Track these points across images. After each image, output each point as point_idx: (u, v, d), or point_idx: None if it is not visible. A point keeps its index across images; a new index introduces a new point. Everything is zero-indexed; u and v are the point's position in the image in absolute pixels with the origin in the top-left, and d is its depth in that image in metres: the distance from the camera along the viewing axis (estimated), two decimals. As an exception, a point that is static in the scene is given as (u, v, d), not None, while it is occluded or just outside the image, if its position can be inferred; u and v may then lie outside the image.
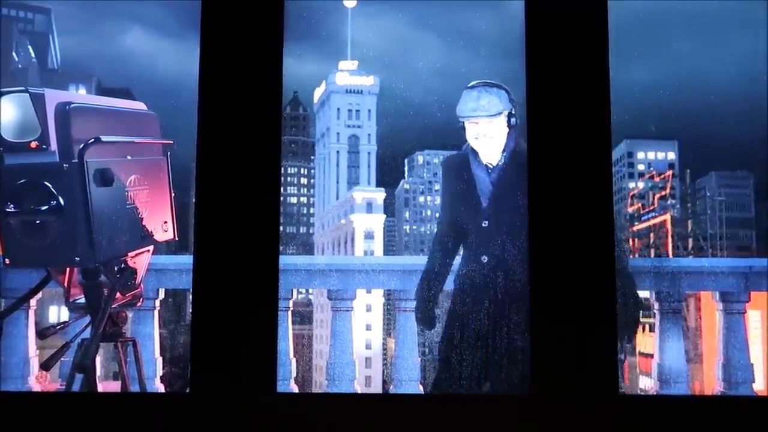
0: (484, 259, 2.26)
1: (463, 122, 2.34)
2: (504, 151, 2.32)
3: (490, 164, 2.33)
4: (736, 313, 3.26)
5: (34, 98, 1.76)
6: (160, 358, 3.24)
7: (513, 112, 2.30)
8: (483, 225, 2.27)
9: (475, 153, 2.35)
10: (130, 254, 1.94)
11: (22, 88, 1.79)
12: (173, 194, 2.08)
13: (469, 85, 2.35)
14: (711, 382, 3.40)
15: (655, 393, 3.28)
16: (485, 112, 2.28)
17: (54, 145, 1.77)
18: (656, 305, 3.35)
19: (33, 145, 1.77)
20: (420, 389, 3.22)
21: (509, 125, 2.30)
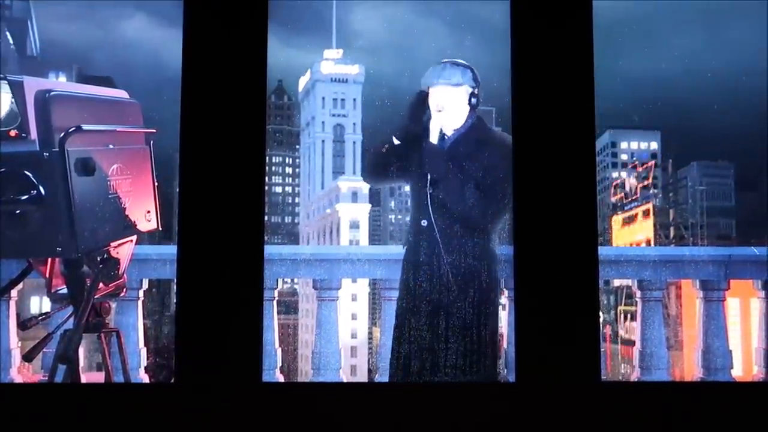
0: (424, 223, 2.33)
1: (427, 93, 2.42)
2: (462, 126, 2.39)
3: (446, 134, 2.40)
4: (716, 301, 3.32)
5: (13, 86, 1.73)
6: (144, 349, 3.23)
7: (476, 92, 2.39)
8: (429, 191, 2.34)
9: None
10: (112, 244, 1.92)
11: (1, 76, 1.75)
12: (156, 184, 2.06)
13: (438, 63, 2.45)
14: (691, 368, 3.46)
15: (636, 379, 3.34)
16: (445, 80, 2.38)
17: (34, 134, 1.74)
18: (638, 293, 3.39)
19: (12, 133, 1.74)
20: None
21: (470, 103, 2.38)
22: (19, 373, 3.08)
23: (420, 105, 2.39)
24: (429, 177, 2.34)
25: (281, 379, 3.27)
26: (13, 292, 3.03)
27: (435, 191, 2.34)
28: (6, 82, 1.74)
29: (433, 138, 2.38)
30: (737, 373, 3.50)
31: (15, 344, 3.08)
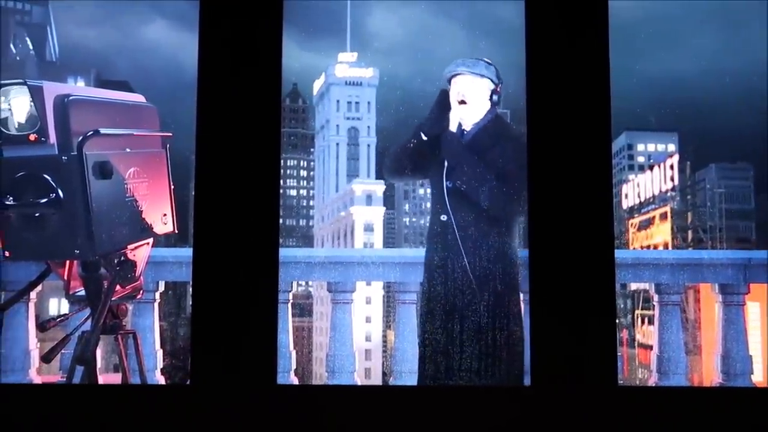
0: (444, 218, 2.33)
1: (448, 86, 2.40)
2: (481, 120, 2.38)
3: (465, 129, 2.39)
4: (735, 305, 3.27)
5: (33, 91, 1.76)
6: (161, 351, 3.25)
7: (497, 89, 2.38)
8: (447, 185, 2.34)
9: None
10: (129, 247, 1.94)
11: (21, 81, 1.78)
12: (173, 187, 2.08)
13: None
14: (710, 373, 3.41)
15: (653, 384, 3.30)
16: (468, 69, 2.37)
17: (53, 138, 1.77)
18: (656, 297, 3.36)
19: (32, 137, 1.77)
20: (420, 381, 3.23)
21: (491, 99, 2.38)
22: (37, 373, 3.12)
23: (443, 103, 2.39)
24: (447, 165, 2.34)
25: (296, 381, 3.28)
26: (32, 294, 3.07)
27: (453, 182, 2.33)
28: (26, 86, 1.76)
29: (453, 128, 2.38)
30: (757, 378, 3.44)
31: (34, 345, 3.12)
